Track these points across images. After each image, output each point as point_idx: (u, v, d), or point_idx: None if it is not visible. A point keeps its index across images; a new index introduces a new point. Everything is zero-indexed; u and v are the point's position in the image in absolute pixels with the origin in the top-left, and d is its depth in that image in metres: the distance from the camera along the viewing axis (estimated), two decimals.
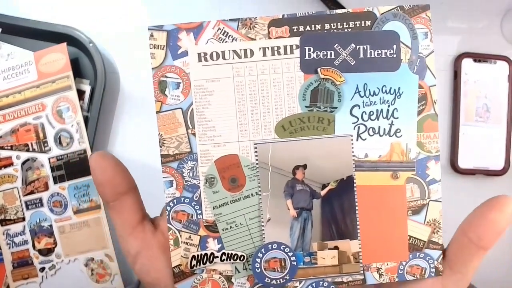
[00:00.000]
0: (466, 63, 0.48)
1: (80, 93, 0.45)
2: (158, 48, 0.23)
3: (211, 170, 0.23)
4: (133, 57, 0.47)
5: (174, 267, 0.24)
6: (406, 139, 0.23)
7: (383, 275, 0.24)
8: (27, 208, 0.45)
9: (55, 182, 0.45)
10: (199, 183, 0.23)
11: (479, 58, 0.48)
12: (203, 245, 0.24)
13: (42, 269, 0.46)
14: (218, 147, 0.23)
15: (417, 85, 0.23)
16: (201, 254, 0.24)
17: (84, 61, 0.47)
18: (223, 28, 0.23)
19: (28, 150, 0.45)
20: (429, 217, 0.24)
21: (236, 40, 0.23)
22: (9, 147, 0.45)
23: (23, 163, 0.45)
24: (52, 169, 0.45)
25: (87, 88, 0.46)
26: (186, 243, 0.24)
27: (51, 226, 0.45)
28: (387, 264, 0.24)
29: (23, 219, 0.45)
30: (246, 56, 0.23)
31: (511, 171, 0.50)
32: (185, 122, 0.23)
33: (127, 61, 0.48)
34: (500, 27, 0.50)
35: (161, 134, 0.23)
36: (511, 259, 0.51)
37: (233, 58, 0.23)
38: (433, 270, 0.24)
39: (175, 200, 0.23)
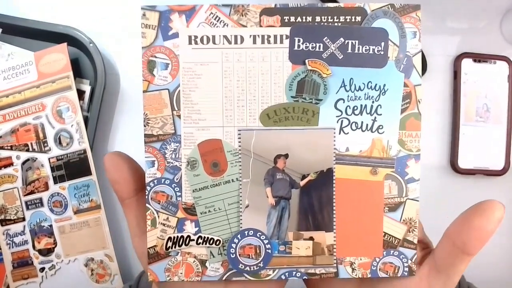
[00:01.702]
0: (466, 63, 0.48)
1: (80, 93, 0.46)
2: (149, 28, 0.23)
3: (194, 153, 0.23)
4: (133, 57, 0.47)
5: (149, 248, 0.24)
6: (388, 136, 0.23)
7: (356, 269, 0.24)
8: (27, 208, 0.45)
9: (55, 182, 0.45)
10: (180, 165, 0.24)
11: (479, 58, 0.48)
12: (180, 228, 0.24)
13: (42, 269, 0.46)
14: (202, 131, 0.23)
15: (403, 83, 0.23)
16: (178, 236, 0.24)
17: (84, 61, 0.47)
18: (215, 12, 0.23)
19: (28, 150, 0.45)
20: (406, 215, 0.24)
21: (227, 25, 0.23)
22: (9, 147, 0.45)
23: (23, 163, 0.45)
24: (52, 169, 0.45)
25: (87, 88, 0.46)
26: (163, 224, 0.24)
27: (51, 226, 0.45)
28: (361, 259, 0.24)
29: (23, 219, 0.45)
30: (236, 42, 0.23)
31: (511, 171, 0.50)
32: (171, 103, 0.23)
33: (127, 61, 0.48)
34: (500, 27, 0.50)
35: (146, 114, 0.23)
36: (511, 259, 0.51)
37: (223, 44, 0.23)
38: (406, 269, 0.24)
39: (155, 181, 0.24)
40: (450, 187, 0.50)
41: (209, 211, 0.24)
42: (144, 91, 0.23)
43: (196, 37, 0.23)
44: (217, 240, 0.24)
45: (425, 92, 0.50)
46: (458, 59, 0.49)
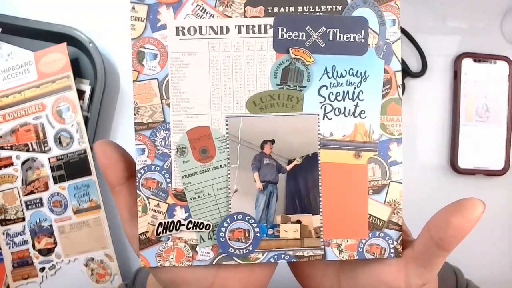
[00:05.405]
0: (466, 63, 0.49)
1: (80, 93, 0.46)
2: (138, 20, 0.24)
3: (183, 140, 0.24)
4: None
5: (140, 234, 0.24)
6: (370, 120, 0.24)
7: (343, 251, 0.25)
8: (27, 208, 0.46)
9: (55, 182, 0.45)
10: (170, 152, 0.24)
11: (479, 58, 0.49)
12: (170, 213, 0.24)
13: (42, 269, 0.46)
14: (190, 118, 0.24)
15: (383, 70, 0.24)
16: (168, 222, 0.24)
17: (84, 61, 0.48)
18: (202, 4, 0.24)
19: (28, 150, 0.45)
20: (390, 197, 0.25)
21: (213, 16, 0.24)
22: (9, 147, 0.45)
23: (23, 163, 0.45)
24: (52, 169, 0.45)
25: (87, 88, 0.47)
26: (154, 210, 0.24)
27: (51, 226, 0.46)
28: (347, 241, 0.25)
29: (23, 219, 0.46)
30: (222, 33, 0.24)
31: (511, 171, 0.50)
32: (160, 92, 0.24)
33: (127, 61, 0.48)
34: (500, 27, 0.50)
35: (136, 103, 0.24)
36: (511, 259, 0.52)
37: (210, 34, 0.24)
38: (392, 250, 0.25)
39: (145, 168, 0.24)
40: (450, 187, 0.50)
41: (199, 196, 0.24)
42: (134, 81, 0.24)
43: (183, 28, 0.24)
44: (207, 224, 0.24)
45: (425, 92, 0.50)
46: (458, 59, 0.49)
